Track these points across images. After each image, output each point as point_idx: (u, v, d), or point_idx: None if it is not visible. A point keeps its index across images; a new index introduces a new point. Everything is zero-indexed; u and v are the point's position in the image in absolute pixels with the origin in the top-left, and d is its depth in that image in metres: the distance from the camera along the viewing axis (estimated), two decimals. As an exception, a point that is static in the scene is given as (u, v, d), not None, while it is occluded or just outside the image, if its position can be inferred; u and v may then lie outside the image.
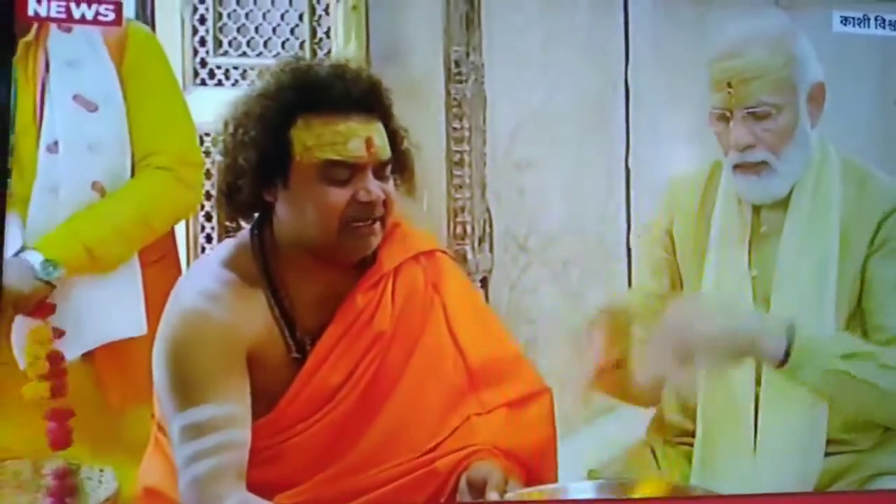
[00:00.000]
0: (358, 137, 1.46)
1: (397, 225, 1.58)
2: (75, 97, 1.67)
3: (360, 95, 1.48)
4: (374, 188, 1.47)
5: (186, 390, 1.46)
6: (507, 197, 1.81)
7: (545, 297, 1.82)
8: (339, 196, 1.46)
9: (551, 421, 1.61)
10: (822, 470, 1.71)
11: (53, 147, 1.67)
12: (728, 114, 1.70)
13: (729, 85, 1.69)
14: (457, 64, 1.76)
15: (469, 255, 1.78)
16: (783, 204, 1.74)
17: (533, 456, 1.57)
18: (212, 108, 1.53)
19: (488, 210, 1.80)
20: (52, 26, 1.65)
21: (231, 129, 1.49)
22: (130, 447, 1.63)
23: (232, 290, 1.49)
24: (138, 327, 1.68)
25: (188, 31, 1.69)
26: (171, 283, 1.54)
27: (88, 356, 1.71)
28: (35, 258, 1.64)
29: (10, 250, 1.63)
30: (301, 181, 1.47)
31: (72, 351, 1.68)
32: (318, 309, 1.53)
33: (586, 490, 1.53)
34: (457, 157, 1.78)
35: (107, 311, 1.69)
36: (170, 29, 1.70)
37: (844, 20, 1.81)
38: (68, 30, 1.65)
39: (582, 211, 1.83)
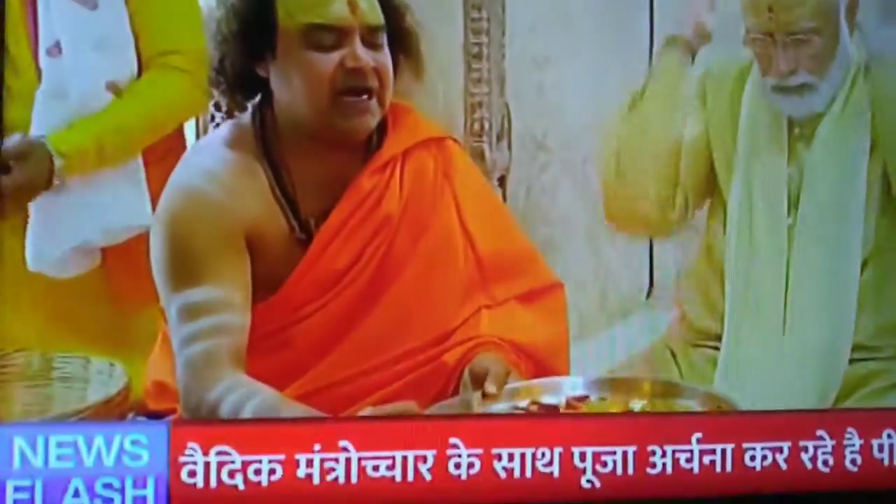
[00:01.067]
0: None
1: (408, 110, 1.56)
2: None
3: None
4: (362, 54, 1.43)
5: (182, 270, 1.43)
6: (525, 93, 1.77)
7: (564, 197, 1.79)
8: (325, 62, 1.42)
9: (563, 316, 1.60)
10: (847, 375, 1.72)
11: (55, 49, 1.61)
12: (769, 38, 1.69)
13: (770, 10, 1.67)
14: (476, -50, 1.71)
15: (486, 153, 1.74)
16: (819, 114, 1.74)
17: (544, 350, 1.56)
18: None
19: (507, 106, 1.75)
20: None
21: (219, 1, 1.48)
22: (141, 345, 1.62)
23: (231, 169, 1.46)
24: (141, 217, 1.63)
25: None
26: (176, 180, 1.53)
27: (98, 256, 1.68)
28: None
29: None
30: (287, 50, 1.44)
31: (75, 240, 1.64)
32: (323, 191, 1.50)
33: (577, 386, 1.52)
34: (475, 50, 1.73)
35: (110, 203, 1.65)
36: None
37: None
38: None
39: (603, 109, 1.78)
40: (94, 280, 1.69)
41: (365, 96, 1.45)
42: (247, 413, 1.38)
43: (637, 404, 1.48)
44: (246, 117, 1.52)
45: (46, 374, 1.59)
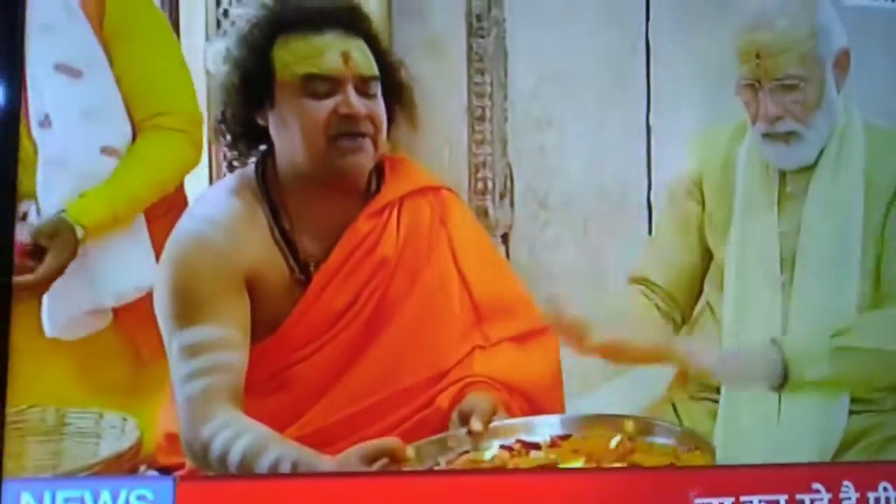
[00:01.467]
0: (334, 50, 1.49)
1: (405, 160, 1.62)
2: (58, 66, 1.63)
3: (335, 13, 1.51)
4: (355, 101, 1.49)
5: (183, 311, 1.48)
6: (528, 153, 1.81)
7: (565, 253, 1.82)
8: (319, 109, 1.48)
9: (555, 356, 1.62)
10: (846, 429, 1.73)
11: (45, 122, 1.63)
12: (756, 84, 1.73)
13: (757, 56, 1.71)
14: (478, 18, 1.76)
15: (490, 211, 1.79)
16: (809, 167, 1.77)
17: (537, 388, 1.59)
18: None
19: (509, 166, 1.80)
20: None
21: (222, 55, 1.54)
22: (155, 397, 1.64)
23: (232, 215, 1.52)
24: (149, 277, 1.64)
25: (211, -21, 1.71)
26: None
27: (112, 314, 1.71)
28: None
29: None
30: (285, 99, 1.50)
31: (88, 304, 1.67)
32: (322, 235, 1.55)
33: (552, 424, 1.54)
34: (478, 112, 1.78)
35: (119, 267, 1.68)
36: (192, -23, 1.71)
37: (854, -9, 1.81)
38: None
39: (602, 168, 1.83)
40: (107, 336, 1.72)
41: (359, 138, 1.50)
42: (238, 449, 1.41)
43: (614, 440, 1.50)
44: (250, 167, 1.57)
45: (60, 430, 1.61)
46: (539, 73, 1.81)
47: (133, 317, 1.71)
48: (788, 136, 1.74)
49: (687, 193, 1.80)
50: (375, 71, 1.52)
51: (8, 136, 1.47)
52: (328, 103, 1.49)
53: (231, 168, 1.64)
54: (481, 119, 1.78)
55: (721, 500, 1.45)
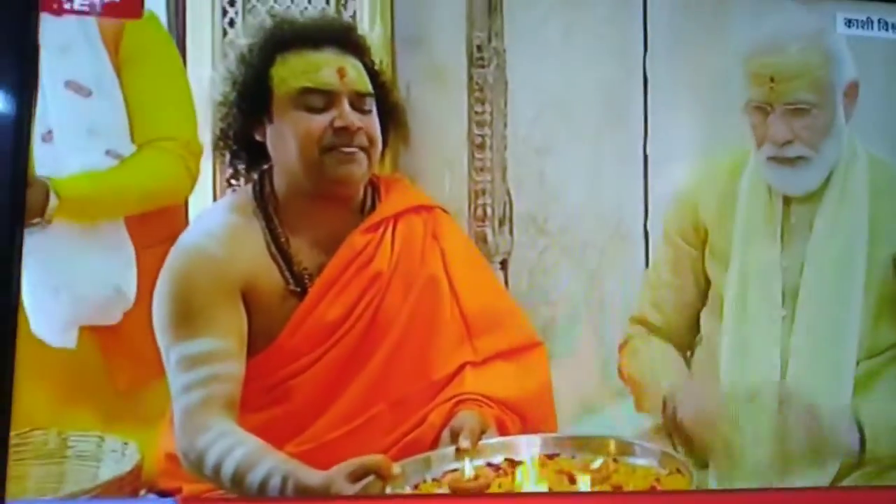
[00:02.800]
0: (329, 66, 1.56)
1: (401, 180, 1.68)
2: (67, 83, 1.66)
3: (331, 31, 1.59)
4: (349, 115, 1.55)
5: (181, 322, 1.53)
6: (527, 180, 1.83)
7: (564, 278, 1.84)
8: (315, 122, 1.54)
9: (545, 371, 1.68)
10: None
11: (48, 136, 1.66)
12: (768, 108, 1.74)
13: (772, 80, 1.73)
14: (479, 49, 1.79)
15: (489, 237, 1.81)
16: (813, 196, 1.78)
17: (528, 404, 1.63)
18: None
19: (508, 193, 1.82)
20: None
21: (221, 76, 1.60)
22: (147, 421, 1.66)
23: (230, 228, 1.57)
24: (127, 288, 1.67)
25: (218, 12, 1.73)
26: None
27: (94, 339, 1.71)
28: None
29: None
30: (281, 113, 1.56)
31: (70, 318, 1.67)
32: (318, 248, 1.60)
33: (534, 443, 1.59)
34: (478, 140, 1.81)
35: (95, 267, 1.69)
36: (199, 10, 1.73)
37: (848, 22, 1.84)
38: (59, 13, 1.63)
39: (600, 195, 1.85)
40: (93, 363, 1.72)
41: (353, 150, 1.56)
42: (231, 461, 1.45)
43: (596, 462, 1.53)
44: (249, 185, 1.62)
45: (61, 453, 1.63)
46: (538, 101, 1.83)
47: (111, 344, 1.71)
48: (795, 161, 1.76)
49: (682, 235, 1.81)
50: (370, 88, 1.58)
51: (19, 153, 1.50)
52: (324, 117, 1.55)
53: (230, 187, 1.67)
54: (481, 147, 1.80)
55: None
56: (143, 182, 1.72)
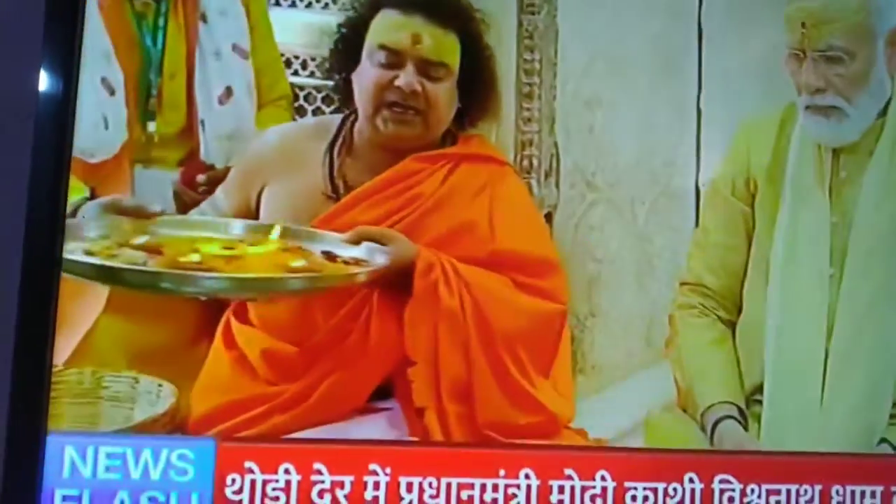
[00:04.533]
0: (406, 30, 1.64)
1: (478, 136, 1.72)
2: (234, 46, 1.77)
3: (430, 2, 1.65)
4: (412, 78, 1.64)
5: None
6: (575, 133, 1.79)
7: (611, 235, 1.80)
8: (380, 76, 1.65)
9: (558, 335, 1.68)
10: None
11: (225, 97, 1.75)
12: (801, 54, 1.68)
13: (803, 25, 1.68)
14: (530, -6, 1.76)
15: (535, 190, 1.76)
16: (865, 150, 1.72)
17: (489, 299, 1.61)
18: (290, 29, 1.74)
19: (556, 145, 1.78)
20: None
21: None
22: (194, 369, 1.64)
23: (306, 130, 1.73)
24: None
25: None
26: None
27: None
28: None
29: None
30: (363, 63, 1.67)
31: None
32: (369, 176, 1.66)
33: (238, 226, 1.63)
34: (526, 90, 1.77)
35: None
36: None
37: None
38: None
39: (651, 151, 1.80)
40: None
41: (407, 111, 1.64)
42: None
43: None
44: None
45: (95, 392, 1.62)
46: (590, 52, 1.79)
47: None
48: (829, 111, 1.69)
49: (734, 192, 1.76)
50: (444, 58, 1.65)
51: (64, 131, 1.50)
52: (389, 74, 1.64)
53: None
54: (529, 97, 1.77)
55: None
56: None
